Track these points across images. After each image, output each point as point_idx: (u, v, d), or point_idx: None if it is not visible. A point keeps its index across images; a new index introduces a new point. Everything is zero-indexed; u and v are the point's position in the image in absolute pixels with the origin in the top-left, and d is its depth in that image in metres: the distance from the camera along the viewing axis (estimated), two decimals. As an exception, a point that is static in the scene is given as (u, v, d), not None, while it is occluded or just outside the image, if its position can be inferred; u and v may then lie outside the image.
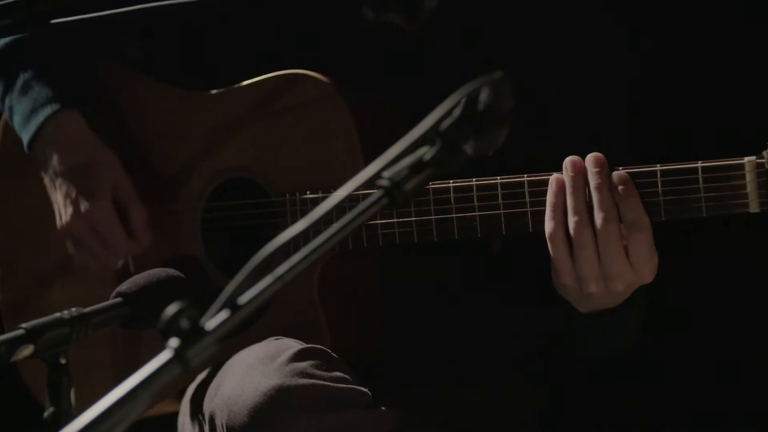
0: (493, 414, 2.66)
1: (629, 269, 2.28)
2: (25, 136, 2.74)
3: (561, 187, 2.30)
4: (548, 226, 2.31)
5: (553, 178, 2.31)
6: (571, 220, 2.28)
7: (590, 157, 2.29)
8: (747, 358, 3.20)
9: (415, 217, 2.45)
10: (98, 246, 2.69)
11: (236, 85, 2.68)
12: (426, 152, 1.65)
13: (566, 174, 2.30)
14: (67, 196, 2.71)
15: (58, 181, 2.72)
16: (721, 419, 3.22)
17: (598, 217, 2.27)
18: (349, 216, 1.59)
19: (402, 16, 2.64)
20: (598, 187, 2.28)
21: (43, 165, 2.74)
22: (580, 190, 2.29)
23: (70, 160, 2.71)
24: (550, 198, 2.31)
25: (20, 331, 1.80)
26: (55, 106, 2.71)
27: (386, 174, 1.62)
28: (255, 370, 2.35)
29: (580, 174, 2.29)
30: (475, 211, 2.41)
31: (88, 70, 2.79)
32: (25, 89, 2.75)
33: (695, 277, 3.21)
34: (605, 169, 2.28)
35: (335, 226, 1.58)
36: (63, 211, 2.71)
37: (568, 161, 2.30)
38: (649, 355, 3.22)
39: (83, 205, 2.68)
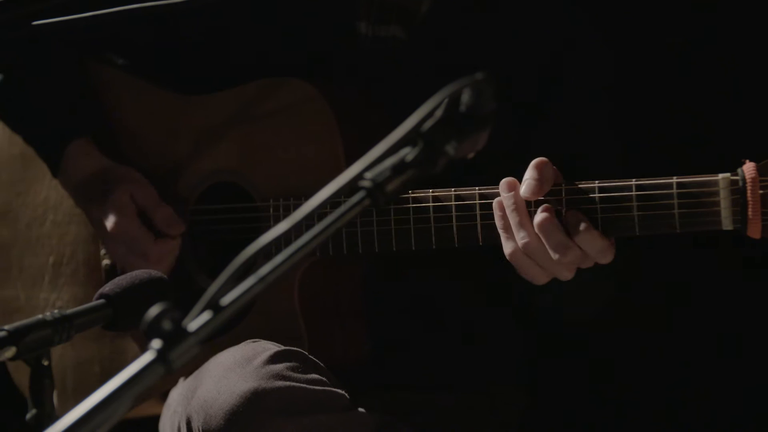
0: (472, 415, 2.66)
1: (587, 257, 2.30)
2: (50, 170, 2.77)
3: (503, 209, 2.32)
4: (506, 248, 2.33)
5: (496, 202, 2.34)
6: (518, 236, 2.31)
7: (502, 183, 2.32)
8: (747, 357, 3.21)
9: (395, 226, 2.46)
10: (139, 260, 2.67)
11: (223, 90, 2.68)
12: (408, 153, 1.65)
13: (503, 195, 2.32)
14: (97, 224, 2.72)
15: (91, 214, 2.74)
16: (721, 419, 3.23)
17: (519, 237, 2.29)
18: (332, 216, 1.59)
19: (401, 28, 2.65)
20: (515, 209, 2.30)
21: (73, 198, 2.77)
22: (519, 208, 2.31)
23: (89, 189, 2.72)
24: (498, 222, 2.34)
25: (2, 333, 1.79)
26: (67, 139, 2.73)
27: (368, 175, 1.62)
28: (231, 373, 2.35)
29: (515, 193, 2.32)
30: (430, 223, 2.42)
31: (87, 87, 2.79)
32: (33, 122, 2.76)
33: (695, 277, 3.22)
34: (517, 193, 2.29)
35: (318, 227, 1.58)
36: (101, 241, 2.73)
37: (503, 183, 2.33)
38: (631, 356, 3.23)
39: (110, 227, 2.68)
